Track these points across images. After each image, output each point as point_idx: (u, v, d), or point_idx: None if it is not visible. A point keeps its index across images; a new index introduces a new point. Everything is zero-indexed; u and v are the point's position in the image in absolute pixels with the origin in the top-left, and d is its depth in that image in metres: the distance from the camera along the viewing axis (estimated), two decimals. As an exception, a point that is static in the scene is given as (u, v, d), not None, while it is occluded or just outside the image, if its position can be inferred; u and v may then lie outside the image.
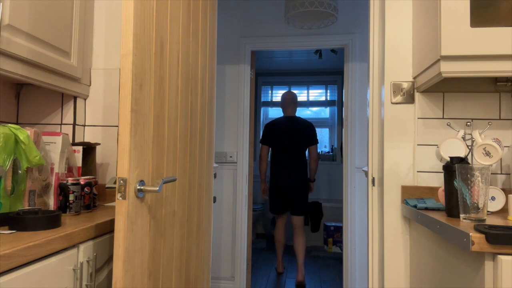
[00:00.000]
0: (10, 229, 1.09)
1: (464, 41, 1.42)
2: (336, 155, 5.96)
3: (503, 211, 1.54)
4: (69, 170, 1.50)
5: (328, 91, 6.16)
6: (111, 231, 1.32)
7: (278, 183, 3.87)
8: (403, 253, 1.77)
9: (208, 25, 1.88)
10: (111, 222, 1.31)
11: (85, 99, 1.83)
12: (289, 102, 4.00)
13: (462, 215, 1.29)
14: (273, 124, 3.97)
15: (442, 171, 1.45)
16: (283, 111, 4.03)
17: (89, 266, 1.18)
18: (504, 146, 1.70)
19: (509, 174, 1.69)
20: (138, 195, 1.13)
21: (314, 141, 3.91)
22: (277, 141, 3.88)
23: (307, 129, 3.88)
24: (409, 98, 1.79)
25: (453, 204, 1.38)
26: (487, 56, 1.43)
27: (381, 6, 1.92)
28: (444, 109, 1.77)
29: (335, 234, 5.10)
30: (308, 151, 3.91)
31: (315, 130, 3.95)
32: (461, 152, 1.53)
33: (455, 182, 1.37)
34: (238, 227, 3.41)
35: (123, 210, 1.07)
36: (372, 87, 1.94)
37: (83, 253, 1.16)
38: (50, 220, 1.12)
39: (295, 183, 3.83)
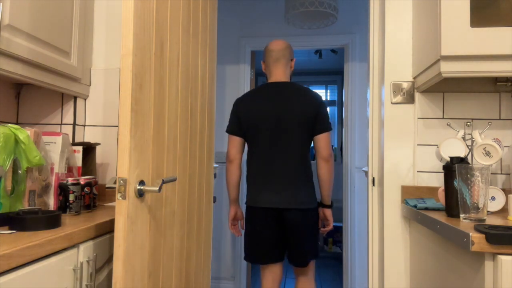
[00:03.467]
0: (10, 229, 1.09)
1: (464, 41, 1.42)
2: (336, 155, 5.96)
3: (503, 211, 1.54)
4: (69, 170, 1.50)
5: (328, 91, 6.16)
6: (111, 231, 1.32)
7: (259, 203, 2.06)
8: (403, 253, 1.77)
9: (208, 25, 1.88)
10: (111, 222, 1.31)
11: (85, 99, 1.83)
12: (277, 56, 2.18)
13: (462, 215, 1.29)
14: (248, 99, 2.15)
15: (442, 171, 1.45)
16: (267, 74, 2.23)
17: (89, 266, 1.18)
18: (504, 146, 1.70)
19: (509, 174, 1.69)
20: (138, 195, 1.13)
21: (323, 125, 2.07)
22: (255, 128, 2.08)
23: (310, 105, 2.07)
24: (409, 98, 1.79)
25: (453, 204, 1.38)
26: (487, 56, 1.43)
27: (381, 6, 1.92)
28: (444, 109, 1.77)
29: (335, 234, 5.10)
30: (314, 144, 2.10)
31: (325, 107, 2.11)
32: (461, 152, 1.53)
33: (455, 182, 1.37)
34: (238, 227, 3.40)
35: (123, 210, 1.07)
36: (372, 87, 1.94)
37: (83, 253, 1.16)
38: (50, 220, 1.12)
39: (293, 204, 2.03)
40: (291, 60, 2.23)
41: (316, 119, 2.06)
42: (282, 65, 2.18)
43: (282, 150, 2.05)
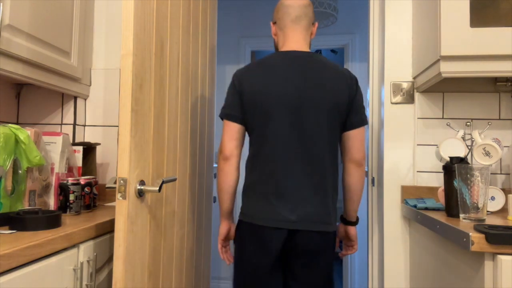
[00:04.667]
0: (10, 229, 1.09)
1: (464, 41, 1.42)
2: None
3: (503, 211, 1.54)
4: (69, 170, 1.51)
5: (328, 91, 6.14)
6: (111, 231, 1.32)
7: (264, 220, 1.41)
8: (403, 253, 1.77)
9: (208, 25, 1.88)
10: (111, 222, 1.31)
11: (85, 99, 1.83)
12: (298, 13, 1.52)
13: (461, 215, 1.29)
14: (256, 71, 1.48)
15: (442, 171, 1.45)
16: (279, 40, 1.56)
17: (89, 266, 1.18)
18: (504, 146, 1.70)
19: (509, 174, 1.69)
20: (138, 195, 1.13)
21: (360, 116, 1.49)
22: (265, 114, 1.44)
23: (345, 85, 1.46)
24: (409, 98, 1.79)
25: (453, 204, 1.38)
26: (487, 56, 1.43)
27: (381, 6, 1.92)
28: (444, 109, 1.77)
29: (335, 234, 5.09)
30: (343, 143, 1.50)
31: (359, 91, 1.50)
32: (460, 152, 1.53)
33: (454, 182, 1.37)
34: (238, 227, 3.40)
35: (123, 210, 1.07)
36: (372, 87, 1.94)
37: (83, 253, 1.16)
38: (50, 220, 1.12)
39: (316, 226, 1.42)
40: (313, 24, 1.55)
41: (352, 106, 1.43)
42: (303, 28, 1.50)
43: (303, 148, 1.39)
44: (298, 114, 1.39)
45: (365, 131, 1.49)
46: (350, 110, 1.43)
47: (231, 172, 1.45)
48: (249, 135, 1.47)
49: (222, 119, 1.45)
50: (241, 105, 1.43)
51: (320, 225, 1.39)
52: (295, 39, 1.49)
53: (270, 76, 1.42)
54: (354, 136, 1.45)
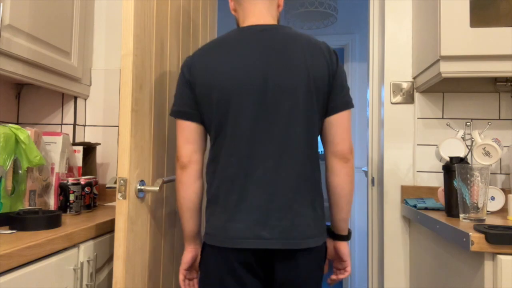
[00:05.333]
0: (10, 229, 1.09)
1: (463, 41, 1.42)
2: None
3: (503, 211, 1.55)
4: (70, 170, 1.51)
5: (328, 91, 6.14)
6: (112, 231, 1.32)
7: (229, 240, 1.08)
8: (403, 253, 1.77)
9: (208, 25, 1.88)
10: (112, 222, 1.31)
11: (85, 99, 1.83)
12: None
13: (461, 215, 1.29)
14: (210, 54, 1.16)
15: (441, 171, 1.45)
16: (238, 15, 1.28)
17: (90, 266, 1.18)
18: (504, 146, 1.71)
19: (509, 174, 1.69)
20: (138, 195, 1.13)
21: (343, 97, 1.18)
22: (224, 105, 1.12)
23: (322, 61, 1.16)
24: (409, 98, 1.79)
25: (453, 204, 1.38)
26: (487, 56, 1.43)
27: (381, 6, 1.92)
28: (443, 109, 1.77)
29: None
30: (325, 132, 1.19)
31: (340, 67, 1.20)
32: (460, 152, 1.53)
33: (454, 182, 1.37)
34: (238, 227, 3.40)
35: (123, 210, 1.07)
36: (372, 87, 1.94)
37: (84, 253, 1.16)
38: (51, 220, 1.12)
39: (296, 241, 1.09)
40: None
41: (333, 86, 1.15)
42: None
43: (273, 142, 1.10)
44: (265, 101, 1.10)
45: (350, 118, 1.18)
46: (331, 91, 1.15)
47: (191, 183, 1.15)
48: (209, 135, 1.19)
49: (173, 117, 1.17)
50: (193, 99, 1.14)
51: (303, 240, 1.07)
52: (256, 11, 1.20)
53: (226, 58, 1.12)
54: (337, 122, 1.15)
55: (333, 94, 1.15)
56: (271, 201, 1.08)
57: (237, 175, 1.10)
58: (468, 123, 1.73)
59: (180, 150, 1.16)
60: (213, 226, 1.11)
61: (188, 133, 1.16)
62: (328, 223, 1.26)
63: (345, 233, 1.24)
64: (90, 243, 1.20)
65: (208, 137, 1.20)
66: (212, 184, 1.14)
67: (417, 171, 1.77)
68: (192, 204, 1.17)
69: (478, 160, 1.49)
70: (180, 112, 1.16)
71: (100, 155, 1.80)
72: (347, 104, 1.17)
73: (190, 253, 1.23)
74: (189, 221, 1.19)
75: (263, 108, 1.11)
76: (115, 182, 1.14)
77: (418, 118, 1.78)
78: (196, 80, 1.13)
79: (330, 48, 1.19)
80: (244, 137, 1.10)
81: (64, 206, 1.36)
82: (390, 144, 1.79)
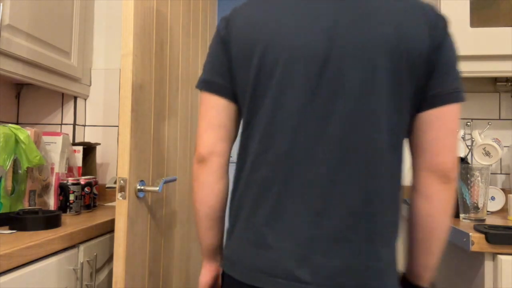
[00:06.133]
0: (10, 229, 1.09)
1: (464, 41, 1.42)
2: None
3: (503, 211, 1.55)
4: (69, 170, 1.51)
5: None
6: (112, 231, 1.32)
7: (244, 272, 0.77)
8: (403, 252, 1.77)
9: (208, 25, 1.88)
10: (112, 222, 1.31)
11: (85, 99, 1.83)
12: None
13: (462, 215, 1.29)
14: (256, 4, 0.83)
15: (442, 171, 1.45)
16: None
17: (90, 266, 1.18)
18: (504, 146, 1.71)
19: (509, 174, 1.69)
20: (138, 195, 1.13)
21: (452, 83, 0.78)
22: (263, 75, 0.78)
23: (419, 27, 0.75)
24: (409, 98, 1.79)
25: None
26: (487, 56, 1.43)
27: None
28: (444, 109, 1.77)
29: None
30: (415, 133, 0.80)
31: (449, 40, 0.79)
32: (461, 152, 1.53)
33: (455, 182, 1.37)
34: (238, 227, 3.39)
35: (123, 210, 1.07)
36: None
37: (84, 253, 1.16)
38: (50, 220, 1.12)
39: (373, 280, 0.73)
40: None
41: (436, 66, 0.78)
42: None
43: (332, 138, 0.76)
44: (326, 73, 0.75)
45: (458, 115, 0.79)
46: (433, 72, 0.77)
47: (211, 183, 0.86)
48: (243, 120, 0.85)
49: (200, 89, 0.87)
50: (227, 65, 0.83)
51: (373, 280, 0.73)
52: None
53: (277, 8, 0.80)
54: (439, 120, 0.77)
55: (434, 78, 0.77)
56: (317, 225, 0.73)
57: (271, 180, 0.76)
58: (468, 123, 1.73)
59: (200, 136, 0.85)
60: (232, 248, 0.81)
61: (215, 113, 0.85)
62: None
63: (426, 285, 0.86)
64: (90, 243, 1.20)
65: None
66: (236, 189, 0.84)
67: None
68: (212, 210, 0.87)
69: (478, 160, 1.49)
70: (207, 83, 0.85)
71: (100, 155, 1.80)
72: (457, 94, 0.77)
73: (209, 273, 0.93)
74: (207, 233, 0.89)
75: (323, 83, 0.75)
76: (115, 182, 1.14)
77: (418, 118, 1.78)
78: (234, 37, 0.82)
79: (436, 10, 0.80)
80: (287, 125, 0.76)
81: (64, 206, 1.36)
82: (390, 144, 1.79)
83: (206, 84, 0.86)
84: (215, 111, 0.85)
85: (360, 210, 0.74)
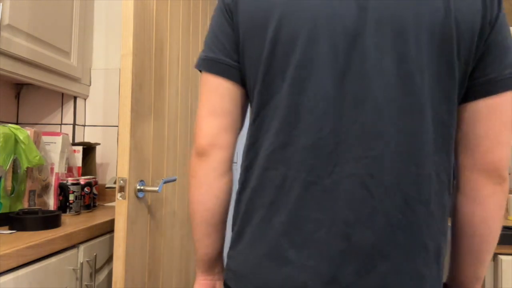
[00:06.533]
0: (10, 229, 1.09)
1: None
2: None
3: (503, 211, 1.55)
4: (69, 170, 1.50)
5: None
6: (111, 231, 1.32)
7: None
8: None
9: (208, 25, 1.88)
10: (111, 222, 1.31)
11: (85, 99, 1.83)
12: None
13: (462, 215, 1.29)
14: None
15: (442, 171, 1.45)
16: None
17: (89, 266, 1.18)
18: (504, 146, 1.70)
19: (509, 174, 1.69)
20: (138, 195, 1.13)
21: (501, 70, 0.65)
22: (280, 53, 0.65)
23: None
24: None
25: (453, 204, 1.38)
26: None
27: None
28: (444, 109, 1.76)
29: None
30: (462, 126, 0.68)
31: (503, 15, 0.66)
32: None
33: (454, 182, 1.37)
34: (238, 227, 3.39)
35: (123, 210, 1.07)
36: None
37: (83, 253, 1.16)
38: (50, 220, 1.12)
39: None
40: None
41: (488, 45, 0.65)
42: None
43: (364, 130, 0.63)
44: (359, 50, 0.62)
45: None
46: (486, 51, 0.65)
47: (211, 181, 0.72)
48: (250, 105, 0.74)
49: (200, 70, 0.73)
50: (233, 39, 0.70)
51: None
52: None
53: None
54: (490, 112, 0.66)
55: (487, 60, 0.65)
56: (347, 238, 0.61)
57: (291, 180, 0.64)
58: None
59: (200, 126, 0.72)
60: (240, 259, 0.68)
61: (218, 99, 0.71)
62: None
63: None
64: (90, 243, 1.20)
65: (249, 111, 0.75)
66: (243, 190, 0.71)
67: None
68: (211, 214, 0.73)
69: (478, 160, 1.48)
70: (209, 61, 0.71)
71: (99, 155, 1.80)
72: (511, 80, 0.66)
73: (204, 287, 0.80)
74: (204, 240, 0.75)
75: (353, 63, 0.62)
76: (115, 182, 1.14)
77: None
78: (241, 3, 0.68)
79: None
80: (311, 114, 0.63)
81: (63, 206, 1.36)
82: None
83: (207, 63, 0.71)
84: (218, 95, 0.71)
85: (400, 220, 0.61)
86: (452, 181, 0.68)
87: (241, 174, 0.73)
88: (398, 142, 0.62)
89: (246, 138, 0.73)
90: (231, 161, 0.74)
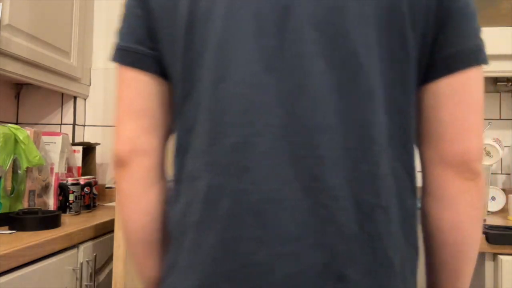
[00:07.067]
0: (10, 229, 1.09)
1: (464, 41, 1.42)
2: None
3: (503, 211, 1.54)
4: (69, 170, 1.50)
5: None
6: (111, 231, 1.31)
7: None
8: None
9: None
10: (111, 222, 1.31)
11: (85, 99, 1.82)
12: None
13: (462, 215, 1.29)
14: None
15: (442, 171, 1.44)
16: None
17: (89, 266, 1.18)
18: (504, 146, 1.70)
19: (509, 174, 1.69)
20: (138, 195, 1.13)
21: (463, 43, 0.53)
22: (192, 30, 0.53)
23: None
24: (409, 98, 1.78)
25: (453, 204, 1.38)
26: (487, 56, 1.42)
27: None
28: (444, 109, 1.76)
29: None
30: (423, 113, 0.56)
31: None
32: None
33: (455, 182, 1.37)
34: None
35: (123, 210, 1.07)
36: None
37: (83, 253, 1.15)
38: (50, 220, 1.12)
39: None
40: None
41: (445, 16, 0.53)
42: None
43: (302, 120, 0.50)
44: (290, 27, 0.51)
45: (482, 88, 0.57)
46: (445, 22, 0.54)
47: (137, 195, 0.61)
48: (176, 107, 0.60)
49: (114, 62, 0.65)
50: (148, 24, 0.59)
51: None
52: None
53: None
54: (457, 93, 0.55)
55: (447, 32, 0.54)
56: (294, 259, 0.49)
57: (218, 190, 0.52)
58: (468, 123, 1.73)
59: (117, 129, 0.61)
60: (167, 269, 0.57)
61: (135, 95, 0.60)
62: None
63: None
64: (90, 243, 1.20)
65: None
66: (174, 205, 0.57)
67: (418, 171, 1.76)
68: (144, 232, 0.61)
69: (478, 160, 1.48)
70: (122, 51, 0.62)
71: (99, 155, 1.80)
72: (479, 53, 0.55)
73: None
74: (145, 262, 0.64)
75: (284, 44, 0.51)
76: (115, 182, 1.13)
77: (418, 118, 1.77)
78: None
79: None
80: (236, 105, 0.51)
81: (63, 206, 1.36)
82: (390, 144, 1.78)
83: (119, 53, 0.61)
84: (135, 91, 0.60)
85: (356, 231, 0.49)
86: (415, 180, 0.57)
87: (172, 185, 0.59)
88: (345, 136, 0.50)
89: (174, 141, 0.60)
90: (159, 169, 0.61)
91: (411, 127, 0.55)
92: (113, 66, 0.67)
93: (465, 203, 0.56)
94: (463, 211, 0.56)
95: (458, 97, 0.54)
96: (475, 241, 0.59)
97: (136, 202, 0.61)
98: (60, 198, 1.37)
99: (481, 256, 1.09)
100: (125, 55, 0.61)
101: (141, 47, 0.59)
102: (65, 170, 1.46)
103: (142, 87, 0.59)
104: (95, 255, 1.20)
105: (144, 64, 0.59)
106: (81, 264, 1.13)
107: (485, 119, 1.74)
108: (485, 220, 1.26)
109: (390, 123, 0.52)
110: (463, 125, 0.54)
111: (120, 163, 0.60)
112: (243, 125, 0.51)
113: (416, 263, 0.58)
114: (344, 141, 0.50)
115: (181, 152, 0.57)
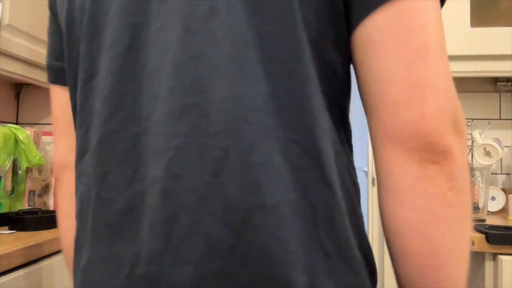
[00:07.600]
0: (10, 229, 1.09)
1: (464, 41, 1.42)
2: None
3: (503, 211, 1.54)
4: (69, 170, 1.50)
5: (328, 91, 6.14)
6: (111, 231, 1.32)
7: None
8: None
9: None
10: (111, 222, 1.31)
11: (85, 99, 1.83)
12: None
13: (462, 215, 1.29)
14: None
15: (442, 171, 1.44)
16: None
17: (89, 266, 1.17)
18: (504, 146, 1.71)
19: (509, 174, 1.69)
20: (138, 195, 1.13)
21: None
22: (69, 30, 0.49)
23: None
24: (409, 98, 1.78)
25: (453, 204, 1.38)
26: (487, 56, 1.43)
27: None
28: (444, 109, 1.76)
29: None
30: (358, 72, 0.42)
31: None
32: (461, 152, 1.53)
33: (455, 182, 1.37)
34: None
35: (123, 210, 1.07)
36: (372, 87, 1.94)
37: (83, 253, 1.15)
38: (50, 220, 1.12)
39: None
40: None
41: None
42: None
43: (169, 103, 0.40)
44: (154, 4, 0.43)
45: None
46: None
47: (67, 212, 0.57)
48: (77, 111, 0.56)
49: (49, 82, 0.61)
50: (61, 39, 0.54)
51: None
52: None
53: None
54: (385, 35, 0.38)
55: None
56: (153, 278, 0.40)
57: (84, 200, 0.47)
58: (468, 123, 1.73)
59: (53, 147, 0.61)
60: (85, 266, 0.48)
61: (60, 112, 0.58)
62: None
63: None
64: (90, 243, 1.20)
65: None
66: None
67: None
68: (71, 250, 0.53)
69: (478, 160, 1.48)
70: (48, 69, 0.59)
71: (99, 155, 1.80)
72: None
73: None
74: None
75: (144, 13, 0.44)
76: (115, 182, 1.13)
77: (418, 118, 1.77)
78: (58, 11, 0.54)
79: None
80: (97, 97, 0.46)
81: (63, 206, 1.36)
82: (390, 144, 1.78)
83: (47, 72, 0.59)
84: (59, 108, 0.57)
85: (230, 243, 0.38)
86: (329, 167, 0.42)
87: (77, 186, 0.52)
88: (216, 117, 0.38)
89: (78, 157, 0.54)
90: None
91: (315, 96, 0.41)
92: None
93: (426, 196, 0.38)
94: (423, 207, 0.38)
95: (391, 39, 0.38)
96: (451, 252, 0.39)
97: (64, 219, 0.59)
98: (60, 198, 1.36)
99: (481, 256, 1.09)
100: (49, 73, 0.59)
101: (59, 62, 0.55)
102: (65, 170, 1.46)
103: (64, 102, 0.55)
104: (95, 255, 1.20)
105: (63, 79, 0.54)
106: (81, 264, 1.13)
107: (485, 119, 1.75)
108: (485, 220, 1.26)
109: (276, 94, 0.39)
110: (407, 80, 0.37)
111: (56, 179, 0.61)
112: (102, 122, 0.45)
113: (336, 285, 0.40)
114: (211, 124, 0.39)
115: (76, 164, 0.51)
